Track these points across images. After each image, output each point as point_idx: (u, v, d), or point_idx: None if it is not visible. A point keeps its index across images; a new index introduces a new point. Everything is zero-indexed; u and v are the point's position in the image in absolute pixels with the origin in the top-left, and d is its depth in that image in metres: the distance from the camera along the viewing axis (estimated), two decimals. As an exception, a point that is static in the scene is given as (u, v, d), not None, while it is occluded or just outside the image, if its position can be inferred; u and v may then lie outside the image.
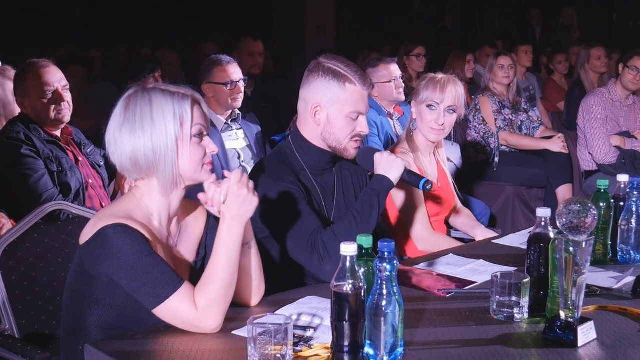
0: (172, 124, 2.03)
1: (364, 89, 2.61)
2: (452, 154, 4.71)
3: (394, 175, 2.63)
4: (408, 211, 3.21)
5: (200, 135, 2.09)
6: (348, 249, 1.75)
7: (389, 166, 2.63)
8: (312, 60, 2.67)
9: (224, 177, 2.07)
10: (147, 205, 2.10)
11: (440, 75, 3.30)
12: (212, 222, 2.29)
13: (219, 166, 3.94)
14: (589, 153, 5.34)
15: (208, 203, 2.07)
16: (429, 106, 3.24)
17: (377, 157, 2.67)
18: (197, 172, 2.09)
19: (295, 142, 2.69)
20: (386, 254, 1.76)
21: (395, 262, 1.77)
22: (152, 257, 1.98)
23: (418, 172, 3.00)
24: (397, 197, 3.21)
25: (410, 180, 2.71)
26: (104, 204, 3.53)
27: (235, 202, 2.03)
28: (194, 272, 2.19)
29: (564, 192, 5.39)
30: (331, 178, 2.74)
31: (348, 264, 1.75)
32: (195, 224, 2.27)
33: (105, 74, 6.89)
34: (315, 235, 2.47)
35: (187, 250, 2.22)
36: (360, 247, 1.86)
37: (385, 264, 1.76)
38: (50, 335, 2.46)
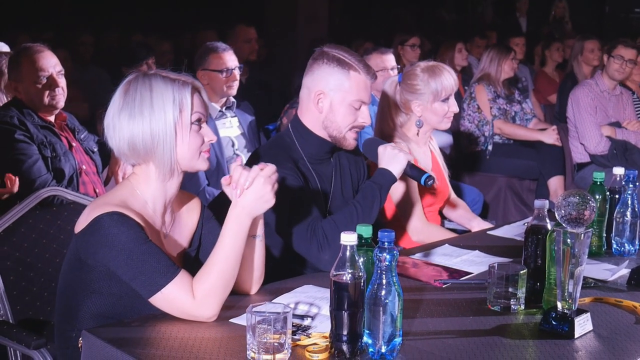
0: (171, 110, 2.02)
1: (367, 78, 2.61)
2: (440, 141, 4.68)
3: (397, 170, 2.63)
4: (402, 202, 3.19)
5: (199, 123, 2.08)
6: (348, 239, 1.75)
7: (391, 160, 2.63)
8: (317, 49, 2.66)
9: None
10: (142, 192, 2.09)
11: (431, 63, 3.18)
12: (208, 213, 2.29)
13: (213, 154, 3.92)
14: (581, 144, 5.35)
15: (232, 185, 2.03)
16: (444, 100, 3.13)
17: (381, 149, 2.67)
18: (195, 160, 2.09)
19: (296, 131, 2.67)
20: (386, 243, 1.76)
21: (395, 252, 1.77)
22: (149, 245, 1.97)
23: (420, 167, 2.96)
24: (392, 188, 3.17)
25: (412, 174, 2.70)
26: (97, 190, 3.51)
27: (254, 194, 2.01)
28: (185, 262, 2.18)
29: (555, 183, 5.41)
30: (329, 168, 2.73)
31: (348, 253, 1.75)
32: (188, 215, 2.26)
33: (96, 60, 6.83)
34: (314, 223, 2.47)
35: (179, 240, 2.21)
36: (360, 237, 1.86)
37: (385, 254, 1.75)
38: (45, 321, 2.45)
